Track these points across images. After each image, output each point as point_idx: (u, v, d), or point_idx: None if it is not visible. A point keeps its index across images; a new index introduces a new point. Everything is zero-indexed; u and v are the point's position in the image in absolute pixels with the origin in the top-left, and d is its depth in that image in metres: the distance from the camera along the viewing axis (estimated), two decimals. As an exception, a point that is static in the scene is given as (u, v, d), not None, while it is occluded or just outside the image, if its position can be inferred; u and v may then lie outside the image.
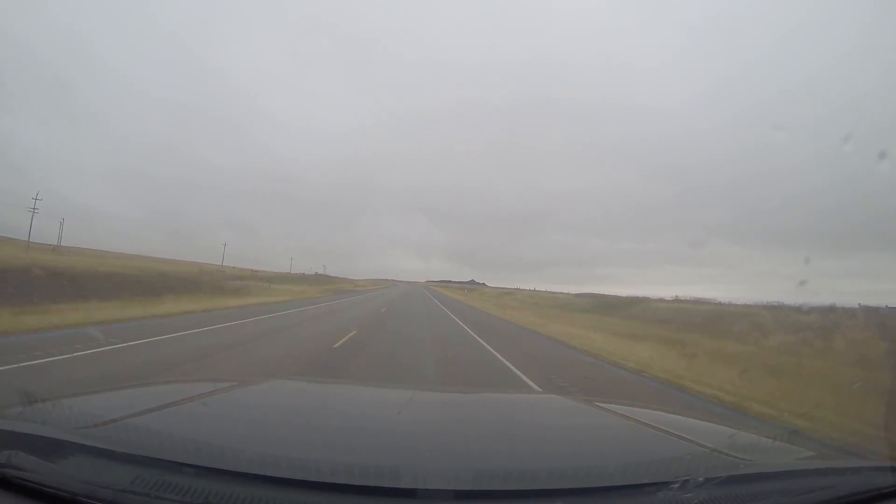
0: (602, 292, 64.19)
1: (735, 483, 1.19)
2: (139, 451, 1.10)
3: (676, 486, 1.09)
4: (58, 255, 37.79)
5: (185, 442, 1.22)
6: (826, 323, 20.00)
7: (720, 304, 38.65)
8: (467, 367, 10.25)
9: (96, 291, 18.70)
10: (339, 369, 8.43)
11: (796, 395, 9.37)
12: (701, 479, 1.11)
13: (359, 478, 1.10)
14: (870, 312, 22.67)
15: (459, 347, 13.39)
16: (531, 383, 8.45)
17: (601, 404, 2.43)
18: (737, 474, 1.26)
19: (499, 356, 11.81)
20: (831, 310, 22.56)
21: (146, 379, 6.12)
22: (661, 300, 45.21)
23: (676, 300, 45.15)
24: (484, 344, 14.38)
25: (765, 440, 1.84)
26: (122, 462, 1.07)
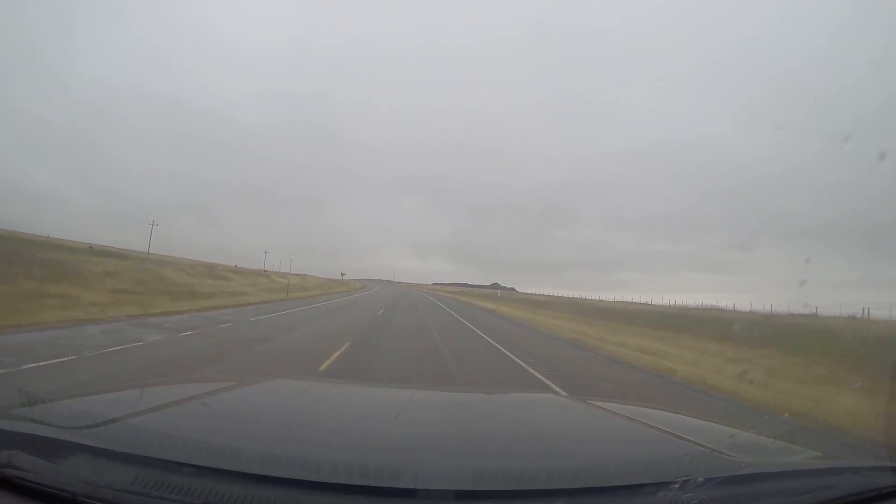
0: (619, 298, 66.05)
1: (735, 483, 1.19)
2: (139, 450, 1.10)
3: (676, 486, 1.09)
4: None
5: (185, 442, 1.22)
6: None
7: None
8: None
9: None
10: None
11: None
12: (701, 479, 1.12)
13: (359, 477, 1.11)
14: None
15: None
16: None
17: (601, 404, 2.43)
18: (737, 474, 1.26)
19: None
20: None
21: None
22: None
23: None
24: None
25: (765, 440, 1.84)
26: (122, 462, 1.07)
